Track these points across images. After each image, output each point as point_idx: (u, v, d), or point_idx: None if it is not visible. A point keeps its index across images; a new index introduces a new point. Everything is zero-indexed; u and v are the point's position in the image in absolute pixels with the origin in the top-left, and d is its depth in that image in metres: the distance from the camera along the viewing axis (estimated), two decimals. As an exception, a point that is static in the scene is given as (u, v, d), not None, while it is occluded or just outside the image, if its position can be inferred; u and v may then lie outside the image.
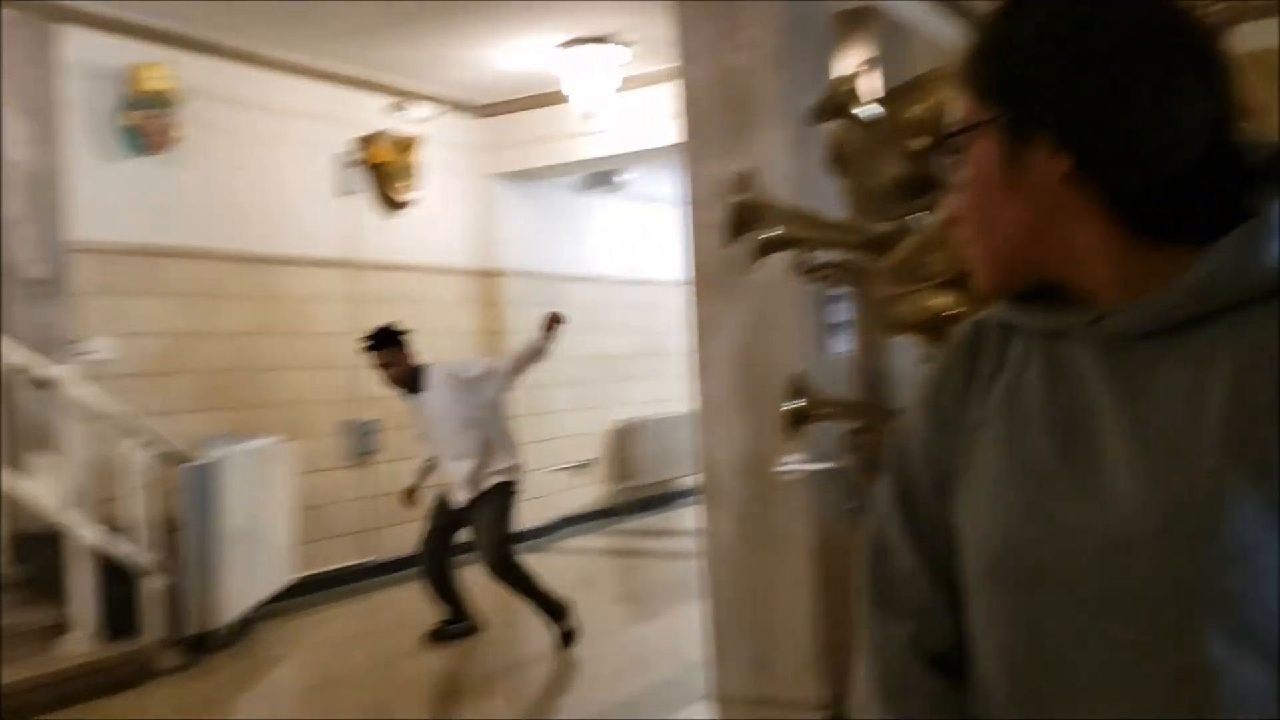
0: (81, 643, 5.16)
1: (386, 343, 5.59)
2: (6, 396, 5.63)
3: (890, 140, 2.45)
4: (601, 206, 10.36)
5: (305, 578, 6.84)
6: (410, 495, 6.00)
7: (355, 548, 7.74)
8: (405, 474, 8.13)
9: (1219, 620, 0.79)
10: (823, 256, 3.04)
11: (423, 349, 8.43)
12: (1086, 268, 0.89)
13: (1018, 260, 0.92)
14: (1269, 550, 0.78)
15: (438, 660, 5.71)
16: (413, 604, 7.17)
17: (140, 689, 5.17)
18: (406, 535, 8.07)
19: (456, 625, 5.87)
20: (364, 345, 5.62)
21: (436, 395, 5.64)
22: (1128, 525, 0.83)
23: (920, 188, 2.30)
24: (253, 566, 6.02)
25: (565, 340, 9.79)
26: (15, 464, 5.53)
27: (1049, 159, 0.87)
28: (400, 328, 5.69)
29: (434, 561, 5.85)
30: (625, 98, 8.31)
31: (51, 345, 5.73)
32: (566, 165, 9.04)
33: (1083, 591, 0.84)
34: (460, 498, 5.66)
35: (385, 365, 5.60)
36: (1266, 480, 0.79)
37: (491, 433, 5.69)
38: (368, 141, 7.99)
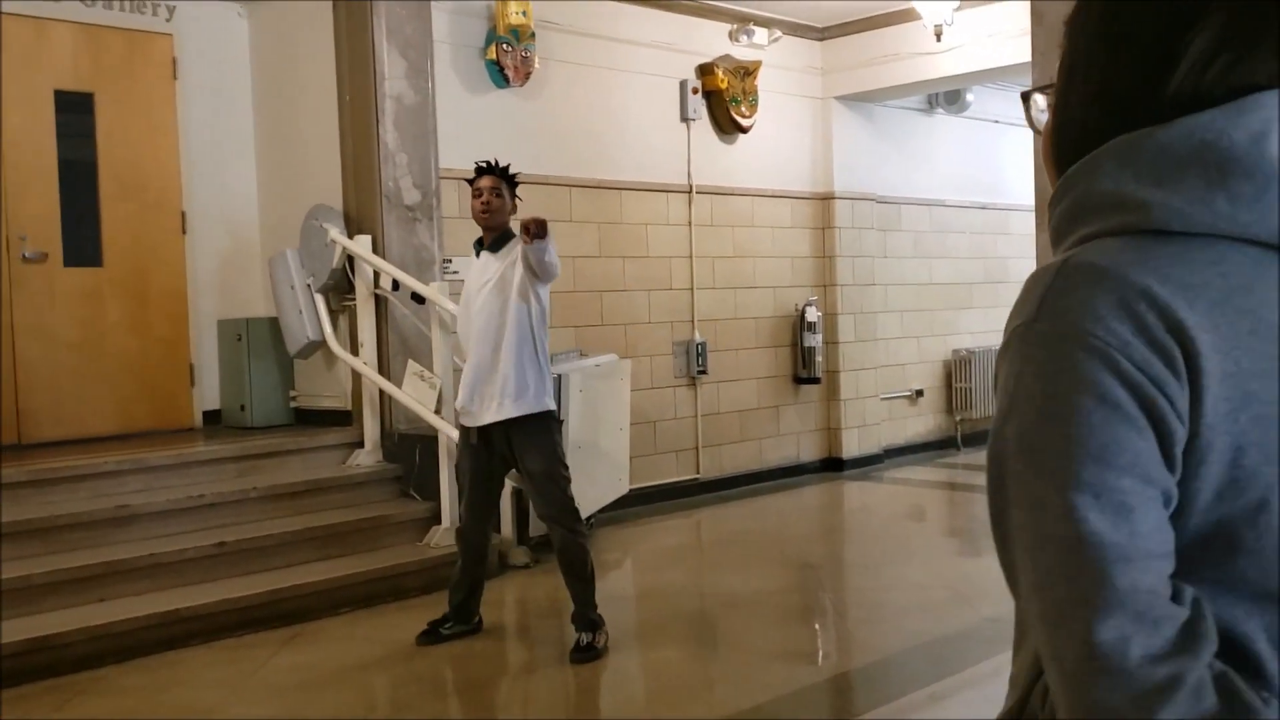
0: (446, 535, 5.70)
1: (503, 175, 4.66)
2: (387, 310, 6.28)
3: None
4: (943, 128, 9.99)
5: (634, 489, 7.20)
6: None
7: (680, 464, 8.05)
8: (731, 396, 8.37)
9: None
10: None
11: (757, 273, 8.59)
12: None
13: None
14: None
15: (763, 579, 5.86)
16: (733, 521, 7.39)
17: (493, 581, 5.67)
18: (728, 456, 8.30)
19: (457, 626, 4.81)
20: (478, 167, 4.70)
21: (506, 268, 4.53)
22: None
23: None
24: (594, 475, 6.40)
25: (898, 267, 9.65)
26: (389, 371, 6.17)
27: None
28: (520, 180, 4.81)
29: (482, 519, 4.76)
30: (974, 14, 7.94)
31: (422, 265, 6.30)
32: (909, 86, 8.77)
33: None
34: (487, 418, 4.53)
35: (488, 191, 4.58)
36: None
37: (538, 347, 4.56)
38: (708, 68, 8.10)
